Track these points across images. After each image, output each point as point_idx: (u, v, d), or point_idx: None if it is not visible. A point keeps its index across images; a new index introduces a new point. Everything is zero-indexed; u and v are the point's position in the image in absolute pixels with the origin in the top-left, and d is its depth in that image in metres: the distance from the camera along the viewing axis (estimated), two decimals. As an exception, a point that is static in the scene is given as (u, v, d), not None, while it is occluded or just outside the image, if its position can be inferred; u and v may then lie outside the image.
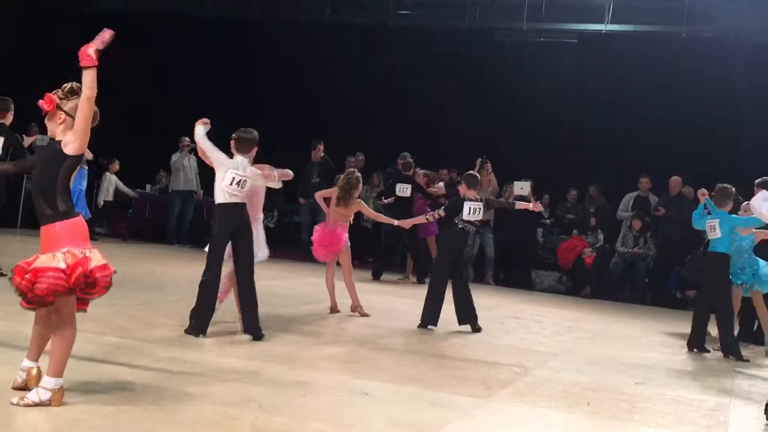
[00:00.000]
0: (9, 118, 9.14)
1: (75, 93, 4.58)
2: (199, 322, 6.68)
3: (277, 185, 7.45)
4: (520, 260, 14.37)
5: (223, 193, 6.72)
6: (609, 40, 15.67)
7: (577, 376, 6.74)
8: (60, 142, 4.51)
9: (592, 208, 14.45)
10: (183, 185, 15.32)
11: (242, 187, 6.72)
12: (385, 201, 13.37)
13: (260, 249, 7.21)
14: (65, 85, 4.65)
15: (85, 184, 10.33)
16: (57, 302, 4.34)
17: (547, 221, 14.98)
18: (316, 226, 9.25)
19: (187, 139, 15.11)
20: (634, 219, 13.52)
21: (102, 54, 4.47)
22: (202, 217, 15.84)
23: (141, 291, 8.95)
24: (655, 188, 13.89)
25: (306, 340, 7.13)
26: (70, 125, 4.54)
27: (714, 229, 8.34)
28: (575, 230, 14.38)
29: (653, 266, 13.23)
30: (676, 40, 14.88)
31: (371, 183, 15.04)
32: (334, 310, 8.88)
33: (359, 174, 9.14)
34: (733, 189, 8.66)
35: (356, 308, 8.86)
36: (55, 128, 4.58)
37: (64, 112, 4.55)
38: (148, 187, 16.67)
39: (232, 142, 6.91)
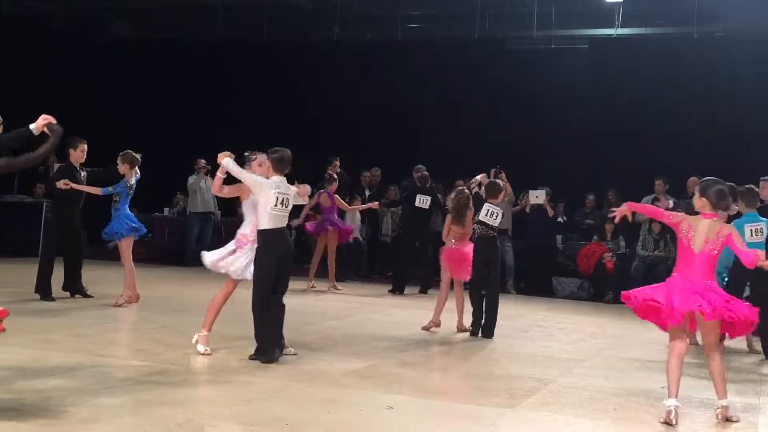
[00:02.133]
0: None
1: None
2: (272, 345, 6.63)
3: (305, 201, 7.53)
4: (540, 268, 14.32)
5: (269, 216, 6.60)
6: (620, 44, 15.64)
7: (602, 383, 6.71)
8: None
9: (610, 213, 14.38)
10: (201, 207, 15.40)
11: (286, 206, 6.69)
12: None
13: None
14: None
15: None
16: None
17: (560, 220, 14.87)
18: (442, 248, 9.26)
19: (203, 161, 15.20)
20: (654, 222, 13.44)
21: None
22: (220, 238, 15.89)
23: (163, 314, 8.99)
24: (674, 190, 13.81)
25: (329, 356, 7.14)
26: None
27: (761, 232, 8.18)
28: (595, 236, 14.31)
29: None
30: (688, 40, 14.82)
31: (387, 196, 15.06)
32: (460, 328, 8.98)
33: (468, 192, 9.21)
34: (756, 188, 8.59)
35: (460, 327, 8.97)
36: None
37: None
38: (165, 210, 16.76)
39: (269, 162, 6.77)
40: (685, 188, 13.76)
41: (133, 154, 9.53)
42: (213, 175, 15.33)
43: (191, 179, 15.34)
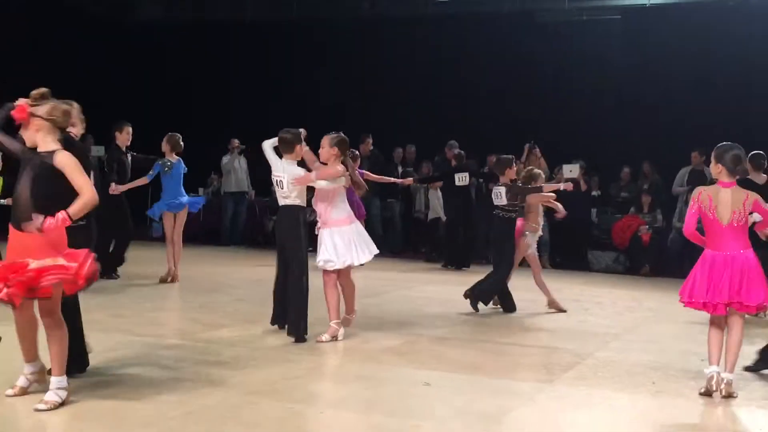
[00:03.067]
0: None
1: (45, 97, 4.56)
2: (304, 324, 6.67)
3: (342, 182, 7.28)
4: (575, 242, 14.22)
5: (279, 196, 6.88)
6: (653, 14, 15.37)
7: (640, 356, 6.66)
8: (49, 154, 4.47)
9: (645, 185, 14.24)
10: (235, 186, 15.48)
11: (281, 188, 6.74)
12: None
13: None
14: (35, 91, 4.57)
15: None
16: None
17: (595, 194, 14.76)
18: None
19: (236, 140, 15.26)
20: (690, 193, 13.28)
21: None
22: (254, 217, 15.98)
23: (199, 293, 9.08)
24: (710, 161, 13.62)
25: (365, 333, 7.16)
26: (49, 130, 4.51)
27: None
28: (632, 208, 14.18)
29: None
30: (723, 7, 14.53)
31: (420, 172, 15.01)
32: (552, 304, 8.83)
33: (539, 170, 9.11)
34: None
35: (552, 303, 8.79)
36: (33, 137, 4.53)
37: (39, 117, 4.50)
38: (200, 190, 16.87)
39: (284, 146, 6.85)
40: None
41: (178, 138, 9.90)
42: (246, 155, 15.49)
43: (225, 159, 15.41)
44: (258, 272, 11.05)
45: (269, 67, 17.44)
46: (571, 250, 14.29)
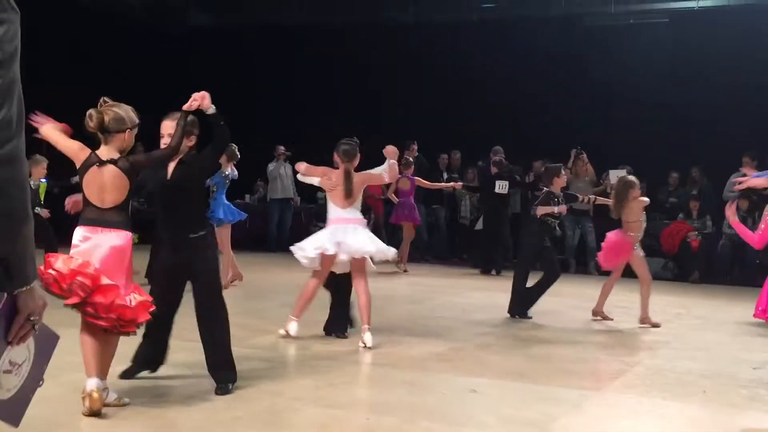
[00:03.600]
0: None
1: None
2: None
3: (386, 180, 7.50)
4: (622, 248, 14.05)
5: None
6: (702, 17, 15.17)
7: (690, 364, 6.56)
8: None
9: (694, 190, 14.03)
10: (281, 193, 15.58)
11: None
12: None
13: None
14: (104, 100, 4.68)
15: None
16: None
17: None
18: (608, 234, 8.83)
19: (282, 147, 15.37)
20: (741, 199, 13.07)
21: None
22: (300, 223, 16.07)
23: (245, 300, 9.15)
24: (762, 165, 13.37)
25: (411, 339, 7.15)
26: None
27: None
28: (681, 214, 13.99)
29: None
30: (773, 10, 14.31)
31: (466, 178, 14.98)
32: (599, 313, 8.65)
33: (633, 178, 8.91)
34: None
35: (645, 320, 8.45)
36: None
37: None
38: (247, 197, 17.02)
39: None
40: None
41: (234, 147, 10.03)
42: (292, 162, 15.61)
43: (271, 166, 15.53)
44: (303, 278, 11.10)
45: (310, 73, 17.52)
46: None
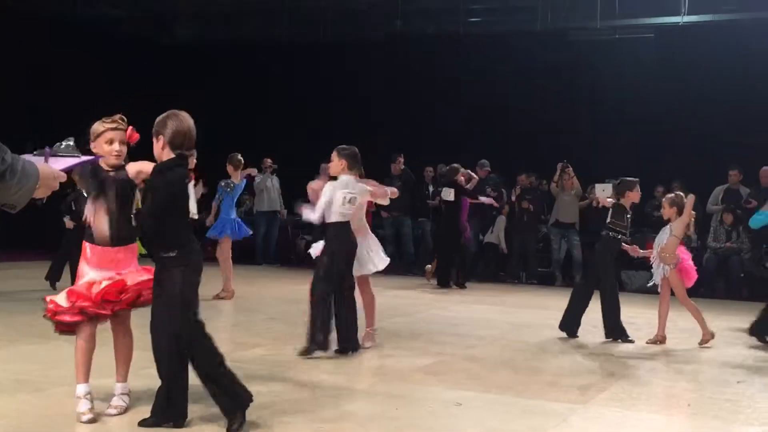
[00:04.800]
0: None
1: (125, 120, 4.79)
2: (322, 339, 6.72)
3: (385, 201, 7.63)
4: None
5: (336, 213, 6.82)
6: (687, 32, 15.28)
7: (675, 378, 6.59)
8: None
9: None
10: (267, 206, 15.57)
11: (353, 204, 6.87)
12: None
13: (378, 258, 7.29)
14: (116, 116, 4.77)
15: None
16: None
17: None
18: (681, 254, 8.42)
19: (269, 160, 15.37)
20: (725, 213, 13.14)
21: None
22: (287, 236, 16.06)
23: (232, 312, 9.12)
24: (746, 180, 13.49)
25: (396, 353, 7.15)
26: None
27: None
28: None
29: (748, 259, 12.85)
30: (757, 26, 14.42)
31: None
32: (660, 340, 8.28)
33: (680, 193, 8.71)
34: None
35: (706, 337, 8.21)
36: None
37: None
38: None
39: (343, 161, 6.91)
40: (757, 179, 13.44)
41: (239, 157, 10.08)
42: (279, 174, 15.59)
43: (258, 179, 15.52)
44: (291, 291, 11.10)
45: (296, 88, 17.54)
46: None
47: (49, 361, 5.97)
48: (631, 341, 8.18)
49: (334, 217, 6.81)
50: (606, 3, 15.03)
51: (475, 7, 16.53)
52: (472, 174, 13.19)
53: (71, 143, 3.74)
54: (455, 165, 12.85)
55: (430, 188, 15.14)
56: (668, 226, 8.29)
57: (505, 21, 16.36)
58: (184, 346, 4.50)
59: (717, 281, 13.36)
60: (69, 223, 9.42)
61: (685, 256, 8.43)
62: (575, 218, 14.19)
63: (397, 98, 16.92)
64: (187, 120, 4.54)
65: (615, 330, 8.27)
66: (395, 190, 7.68)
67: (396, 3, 16.27)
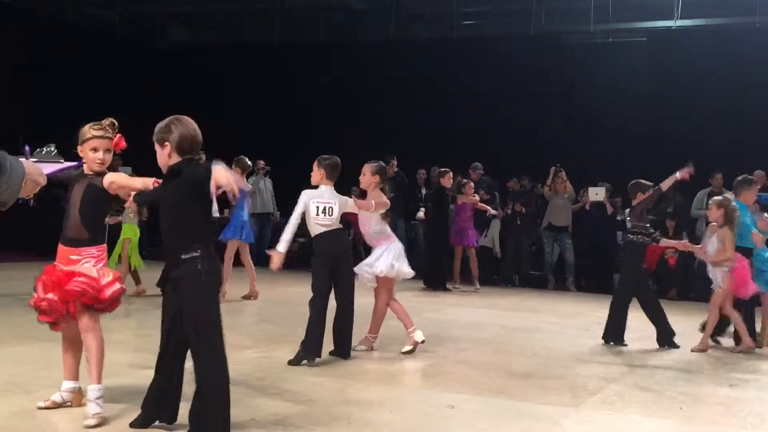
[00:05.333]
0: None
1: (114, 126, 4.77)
2: (313, 347, 6.61)
3: (374, 214, 7.40)
4: (600, 265, 14.13)
5: (313, 225, 6.80)
6: (680, 36, 15.32)
7: (668, 381, 6.58)
8: None
9: (669, 208, 14.12)
10: (260, 208, 15.51)
11: (329, 215, 6.75)
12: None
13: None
14: (105, 122, 4.74)
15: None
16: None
17: (620, 217, 14.71)
18: (738, 262, 8.15)
19: (262, 162, 15.32)
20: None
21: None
22: (279, 238, 16.00)
23: (224, 314, 9.06)
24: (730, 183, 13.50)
25: (390, 355, 7.14)
26: None
27: None
28: (658, 232, 14.04)
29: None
30: (749, 30, 14.46)
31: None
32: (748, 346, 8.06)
33: (729, 195, 8.63)
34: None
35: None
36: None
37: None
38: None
39: (322, 171, 6.81)
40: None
41: (246, 160, 10.06)
42: (272, 176, 15.53)
43: (250, 180, 15.48)
44: (283, 293, 11.08)
45: (289, 91, 17.52)
46: (596, 273, 14.20)
47: (38, 363, 5.94)
48: (677, 347, 8.18)
49: (314, 230, 6.80)
50: (600, 7, 15.04)
51: (469, 10, 16.54)
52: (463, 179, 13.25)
53: (53, 149, 3.74)
54: (444, 168, 12.90)
55: (423, 191, 15.13)
56: (711, 230, 8.22)
57: (499, 25, 16.38)
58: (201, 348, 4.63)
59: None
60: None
61: (741, 264, 8.19)
62: (568, 222, 14.20)
63: (391, 101, 16.91)
64: (191, 123, 4.43)
65: (663, 334, 8.27)
66: (386, 201, 7.30)
67: (390, 6, 16.27)
